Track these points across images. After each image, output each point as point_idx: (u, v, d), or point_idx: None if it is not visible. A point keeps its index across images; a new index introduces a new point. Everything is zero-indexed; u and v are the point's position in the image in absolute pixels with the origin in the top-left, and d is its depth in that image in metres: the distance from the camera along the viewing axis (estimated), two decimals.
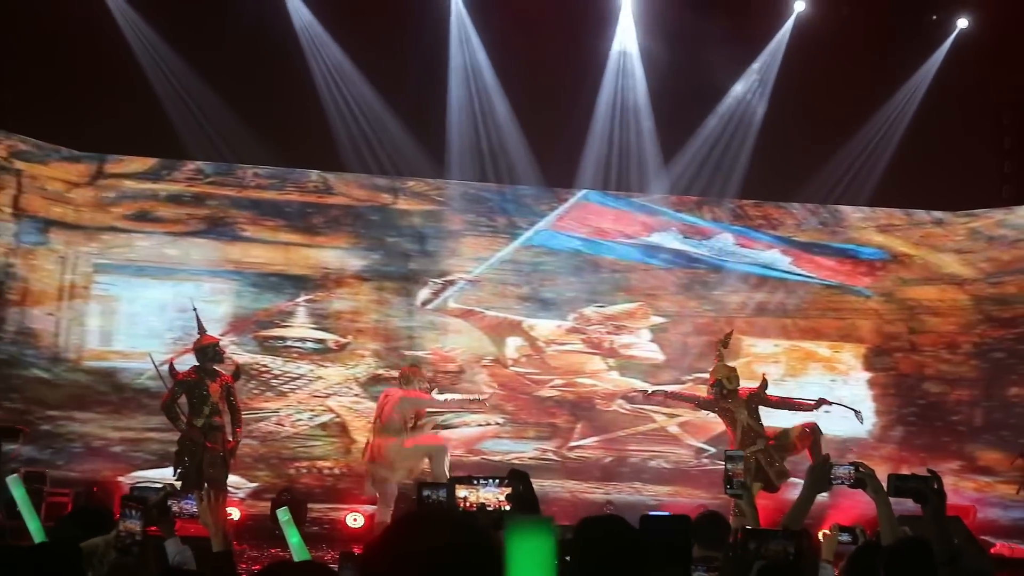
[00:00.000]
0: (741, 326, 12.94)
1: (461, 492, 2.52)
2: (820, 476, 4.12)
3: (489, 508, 2.47)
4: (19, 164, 12.02)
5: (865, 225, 13.30)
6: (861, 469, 4.13)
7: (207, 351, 10.10)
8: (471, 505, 2.49)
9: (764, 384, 10.40)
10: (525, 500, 2.43)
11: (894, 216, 13.36)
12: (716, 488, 10.19)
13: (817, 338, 13.05)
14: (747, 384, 10.36)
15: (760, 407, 10.29)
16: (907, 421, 12.90)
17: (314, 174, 12.79)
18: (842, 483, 4.10)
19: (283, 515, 4.08)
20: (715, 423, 12.61)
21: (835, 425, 12.74)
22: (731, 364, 10.53)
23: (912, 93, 13.09)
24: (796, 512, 4.15)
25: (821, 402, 10.52)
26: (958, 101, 12.89)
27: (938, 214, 13.34)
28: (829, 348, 13.06)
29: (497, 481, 2.50)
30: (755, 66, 12.98)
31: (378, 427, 10.04)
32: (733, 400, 10.19)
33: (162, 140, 12.18)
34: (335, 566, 3.92)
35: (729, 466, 4.34)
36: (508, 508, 2.45)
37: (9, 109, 11.92)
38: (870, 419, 12.89)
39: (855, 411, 10.79)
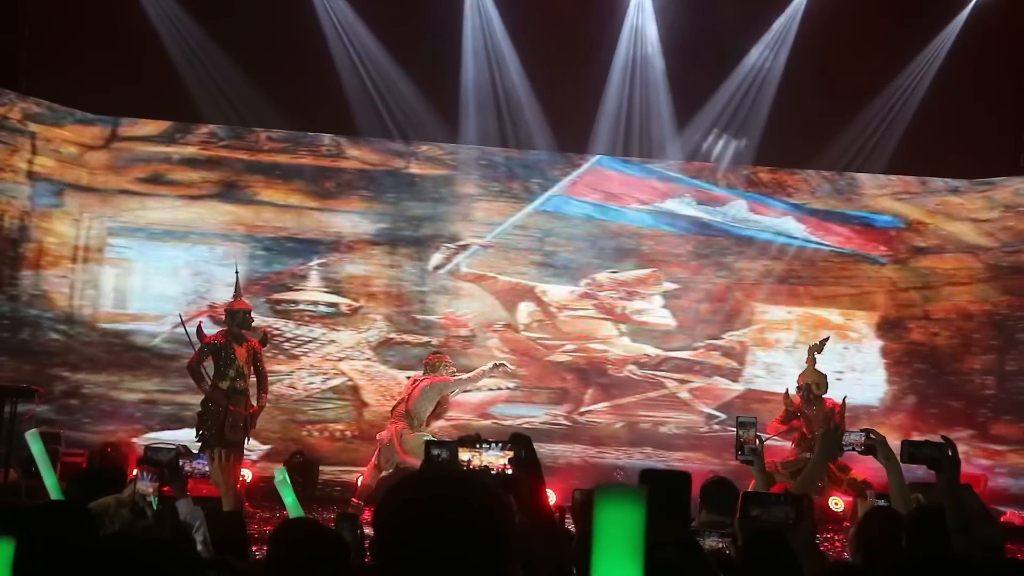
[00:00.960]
0: (754, 292, 12.93)
1: (464, 455, 2.53)
2: (831, 442, 4.13)
3: (493, 471, 2.47)
4: (33, 126, 12.03)
5: (880, 193, 13.22)
6: (872, 436, 4.13)
7: (236, 316, 10.14)
8: (474, 468, 2.50)
9: (843, 409, 10.33)
10: (528, 464, 2.43)
11: (910, 184, 13.27)
12: (727, 454, 10.21)
13: (830, 305, 13.02)
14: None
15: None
16: (919, 390, 12.88)
17: (327, 138, 12.78)
18: (853, 449, 4.11)
19: (279, 475, 4.10)
20: (725, 389, 12.66)
21: (848, 393, 12.75)
22: (822, 371, 10.44)
23: (930, 60, 12.95)
24: (808, 477, 4.17)
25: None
26: (976, 69, 12.76)
27: (954, 182, 13.24)
28: (842, 315, 13.02)
29: (500, 445, 2.51)
30: (770, 36, 12.83)
31: (402, 411, 9.99)
32: (817, 408, 10.19)
33: (176, 103, 12.17)
34: None
35: (741, 432, 4.35)
36: (511, 472, 2.46)
37: (23, 71, 11.95)
38: (882, 387, 12.89)
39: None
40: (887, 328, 12.99)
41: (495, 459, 2.49)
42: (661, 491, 3.17)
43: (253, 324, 10.37)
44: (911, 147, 12.78)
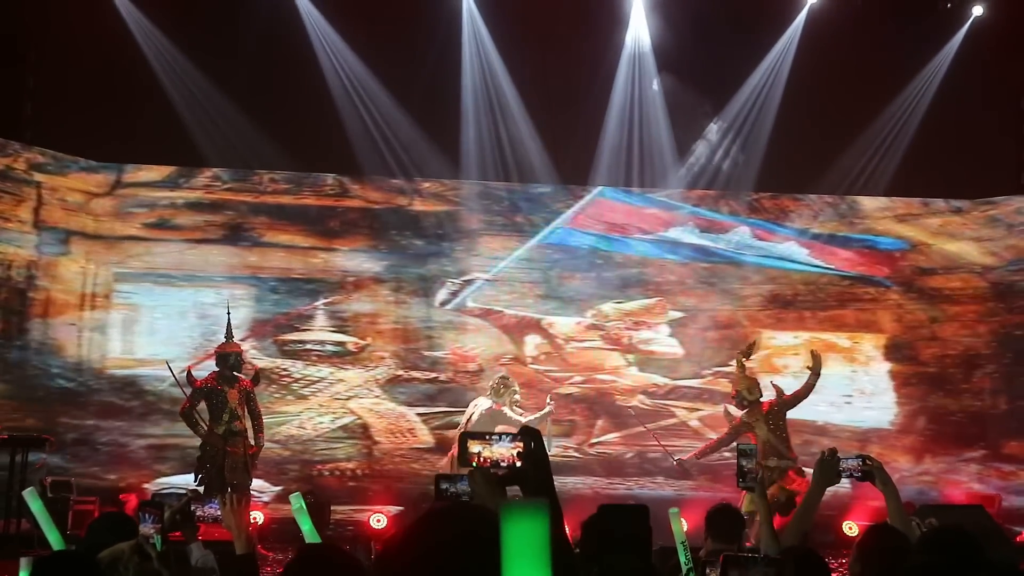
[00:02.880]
0: (760, 319, 12.93)
1: (474, 448, 2.53)
2: (828, 469, 4.11)
3: (503, 464, 2.49)
4: (39, 176, 12.13)
5: (883, 215, 13.25)
6: (868, 462, 4.13)
7: (228, 358, 10.18)
8: (484, 460, 2.50)
9: (779, 394, 10.33)
10: (536, 457, 2.45)
11: (912, 205, 13.30)
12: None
13: (837, 329, 13.01)
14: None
15: (784, 419, 10.21)
16: (929, 411, 12.84)
17: (330, 178, 12.86)
18: (850, 475, 4.10)
19: (295, 502, 4.07)
20: (735, 416, 12.61)
21: (857, 415, 12.75)
22: (751, 376, 10.48)
23: (928, 82, 13.01)
24: (806, 507, 4.15)
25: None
26: (974, 89, 12.83)
27: (956, 203, 13.27)
28: (849, 339, 13.01)
29: (510, 437, 2.52)
30: (767, 62, 12.90)
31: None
32: (753, 412, 10.18)
33: (179, 148, 12.27)
34: None
35: (743, 461, 4.34)
36: (520, 464, 2.47)
37: (27, 122, 12.05)
38: (892, 410, 12.85)
39: None
40: (895, 350, 12.97)
41: (505, 451, 2.50)
42: (620, 525, 3.18)
43: (246, 365, 10.41)
44: (912, 168, 12.83)
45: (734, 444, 10.02)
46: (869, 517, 9.48)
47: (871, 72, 12.57)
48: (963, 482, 12.57)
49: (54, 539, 4.08)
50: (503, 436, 2.54)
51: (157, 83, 12.11)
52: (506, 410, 10.51)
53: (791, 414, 10.39)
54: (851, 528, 11.07)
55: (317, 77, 12.43)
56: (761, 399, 10.26)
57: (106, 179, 12.49)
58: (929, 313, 13.02)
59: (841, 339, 12.99)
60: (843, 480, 4.17)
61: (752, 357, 10.73)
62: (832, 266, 13.10)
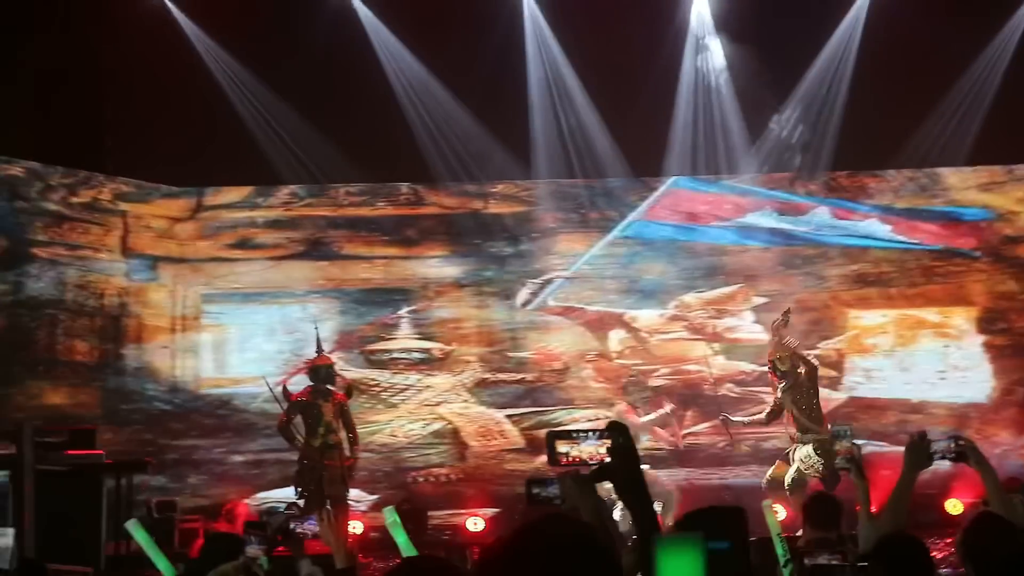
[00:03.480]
0: (846, 299, 12.73)
1: (562, 447, 2.53)
2: (919, 452, 4.03)
3: (591, 462, 2.49)
4: (123, 205, 12.46)
5: (965, 185, 12.95)
6: (961, 443, 4.05)
7: (319, 371, 10.34)
8: (572, 459, 2.51)
9: (812, 370, 10.13)
10: (626, 452, 2.44)
11: (995, 173, 12.97)
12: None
13: (926, 305, 12.74)
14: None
15: (812, 393, 10.07)
16: None
17: (404, 187, 12.98)
18: (943, 457, 4.03)
19: (389, 516, 4.13)
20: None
21: (953, 392, 12.48)
22: (787, 345, 10.29)
23: (1005, 43, 12.67)
24: (899, 494, 4.07)
25: None
26: None
27: None
28: (939, 314, 12.74)
29: (597, 434, 2.52)
30: (836, 37, 12.69)
31: None
32: (787, 385, 10.02)
33: (255, 168, 12.49)
34: None
35: (836, 441, 4.33)
36: (608, 460, 2.46)
37: (108, 153, 12.37)
38: (988, 383, 12.55)
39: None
40: (988, 322, 12.67)
41: (593, 449, 2.50)
42: (713, 530, 3.15)
43: (338, 378, 10.55)
44: (993, 135, 12.49)
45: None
46: (974, 494, 9.27)
47: (944, 37, 12.25)
48: None
49: (163, 567, 4.19)
50: (590, 433, 2.54)
51: (229, 105, 12.34)
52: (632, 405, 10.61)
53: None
54: (955, 507, 10.85)
55: (383, 86, 12.52)
56: (799, 370, 10.05)
57: (187, 204, 12.78)
58: (1021, 282, 12.69)
59: (931, 314, 12.73)
60: (935, 463, 4.10)
61: (788, 324, 10.50)
62: (916, 241, 12.85)
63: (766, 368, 10.70)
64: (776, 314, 10.99)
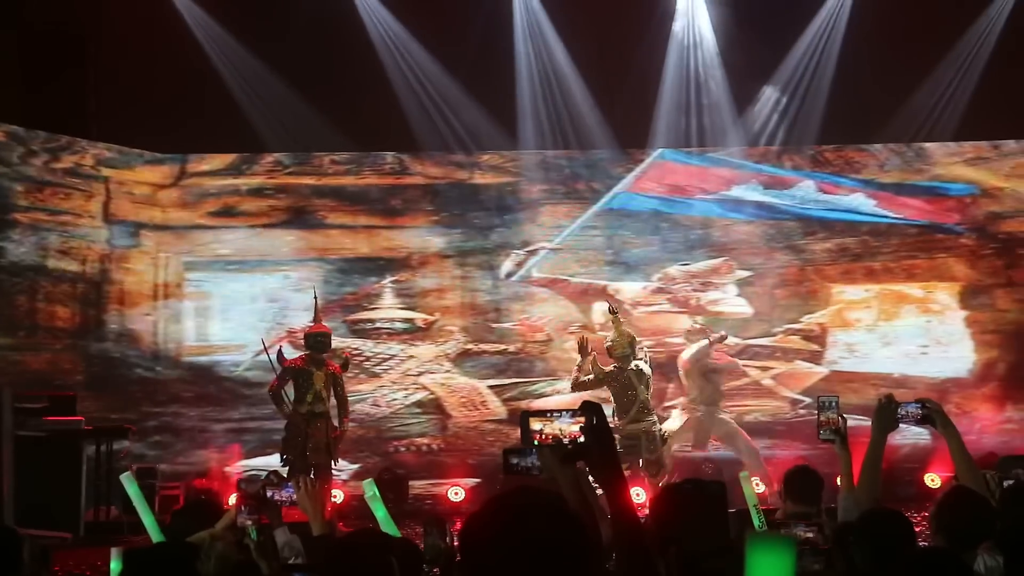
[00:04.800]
0: (830, 273, 12.75)
1: (536, 425, 2.52)
2: (886, 415, 4.07)
3: (565, 440, 2.48)
4: (106, 171, 12.37)
5: (952, 161, 12.95)
6: (928, 405, 4.08)
7: (310, 339, 10.31)
8: (546, 437, 2.50)
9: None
10: (599, 431, 2.43)
11: (982, 149, 12.99)
12: (816, 438, 10.06)
13: (909, 279, 12.78)
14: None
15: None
16: (1009, 357, 12.58)
17: (390, 156, 12.92)
18: (909, 421, 4.05)
19: (368, 489, 4.12)
20: (808, 373, 12.52)
21: (934, 366, 12.54)
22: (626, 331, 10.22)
23: (993, 20, 12.66)
24: (872, 459, 4.09)
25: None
26: None
27: None
28: (922, 288, 12.78)
29: (570, 413, 2.51)
30: (824, 11, 12.64)
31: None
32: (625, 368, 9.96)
33: (239, 135, 12.41)
34: None
35: (821, 413, 4.33)
36: (582, 439, 2.46)
37: (91, 118, 12.26)
38: (970, 358, 12.61)
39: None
40: (970, 297, 12.71)
41: (567, 427, 2.50)
42: (699, 502, 3.14)
43: (333, 347, 10.51)
44: (980, 111, 12.49)
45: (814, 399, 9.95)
46: (951, 468, 9.33)
47: (934, 13, 12.24)
48: None
49: (149, 523, 4.20)
50: (564, 412, 2.53)
51: (214, 72, 12.25)
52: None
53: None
54: (933, 480, 10.92)
55: (370, 55, 12.46)
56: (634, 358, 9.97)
57: (171, 170, 12.70)
58: (1004, 258, 12.73)
59: (914, 289, 12.77)
60: (903, 426, 4.12)
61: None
62: (901, 215, 12.86)
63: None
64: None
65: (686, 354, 11.62)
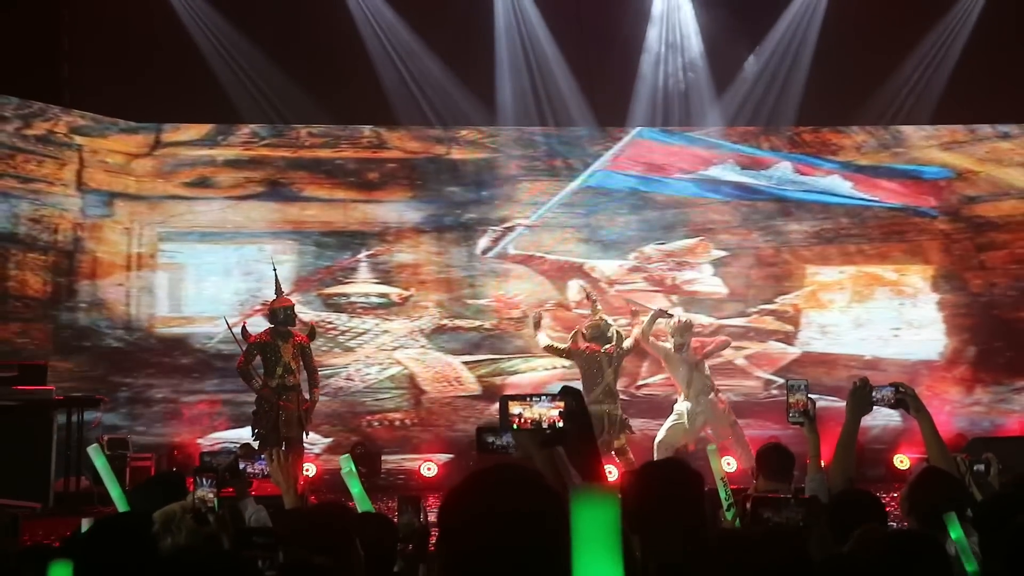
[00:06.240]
0: (804, 255, 12.81)
1: (515, 409, 2.53)
2: (860, 399, 4.12)
3: (544, 425, 2.49)
4: (79, 139, 12.24)
5: (928, 144, 13.02)
6: (901, 389, 4.13)
7: (278, 313, 10.24)
8: (525, 422, 2.50)
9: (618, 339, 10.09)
10: (578, 416, 2.44)
11: (957, 133, 13.05)
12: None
13: (883, 262, 12.86)
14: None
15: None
16: (980, 341, 12.69)
17: (367, 129, 12.85)
18: (883, 404, 4.10)
19: (345, 465, 4.10)
20: (781, 353, 12.58)
21: (906, 348, 12.64)
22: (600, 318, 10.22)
23: (971, 5, 12.72)
24: (845, 441, 4.13)
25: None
26: (1020, 9, 12.50)
27: (1004, 128, 13.01)
28: (895, 271, 12.86)
29: (549, 398, 2.52)
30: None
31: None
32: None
33: (215, 106, 12.31)
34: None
35: (790, 395, 4.36)
36: (561, 424, 2.47)
37: (65, 85, 12.12)
38: (941, 341, 12.71)
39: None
40: (943, 281, 12.81)
41: (546, 411, 2.50)
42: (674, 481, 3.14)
43: (299, 319, 10.47)
44: (956, 95, 12.57)
45: (783, 381, 9.97)
46: (921, 450, 9.41)
47: None
48: (1015, 412, 12.46)
49: (116, 495, 4.17)
50: (543, 397, 2.54)
51: (191, 41, 12.16)
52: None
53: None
54: (902, 462, 11.03)
55: (349, 28, 12.39)
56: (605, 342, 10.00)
57: (145, 140, 12.58)
58: (977, 242, 12.82)
59: (888, 272, 12.85)
60: (877, 409, 4.17)
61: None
62: (877, 198, 12.92)
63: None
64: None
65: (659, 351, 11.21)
